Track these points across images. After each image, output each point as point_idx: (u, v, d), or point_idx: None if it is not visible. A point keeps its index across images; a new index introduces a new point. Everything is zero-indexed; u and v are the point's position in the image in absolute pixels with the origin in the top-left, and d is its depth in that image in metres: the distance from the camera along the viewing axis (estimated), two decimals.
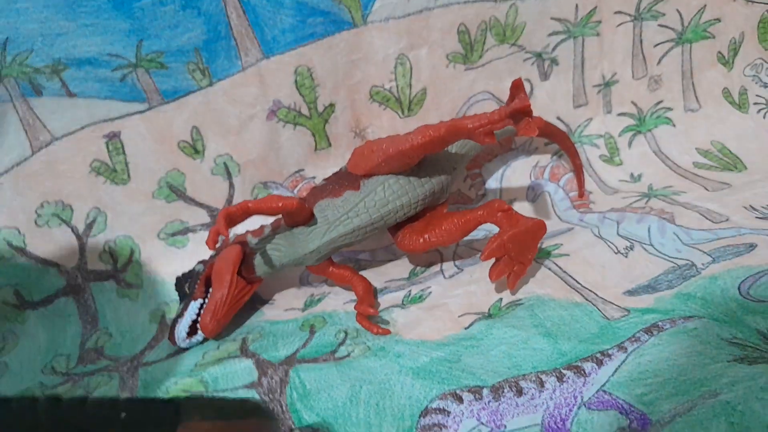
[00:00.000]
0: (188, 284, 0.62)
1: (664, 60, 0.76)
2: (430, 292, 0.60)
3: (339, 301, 0.62)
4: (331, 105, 0.68)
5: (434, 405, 0.45)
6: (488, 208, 0.56)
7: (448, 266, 0.65)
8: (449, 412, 0.44)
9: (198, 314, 0.59)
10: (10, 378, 0.58)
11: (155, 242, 0.68)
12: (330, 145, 0.70)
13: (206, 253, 0.66)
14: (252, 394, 0.50)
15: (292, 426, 0.45)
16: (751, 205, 0.63)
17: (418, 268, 0.67)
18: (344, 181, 0.59)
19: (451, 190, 0.64)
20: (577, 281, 0.56)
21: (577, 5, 0.71)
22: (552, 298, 0.55)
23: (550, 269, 0.59)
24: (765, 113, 0.77)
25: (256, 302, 0.65)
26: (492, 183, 0.75)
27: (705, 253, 0.57)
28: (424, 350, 0.51)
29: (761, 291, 0.49)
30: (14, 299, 0.63)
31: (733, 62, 0.77)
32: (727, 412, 0.38)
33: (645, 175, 0.74)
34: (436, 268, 0.66)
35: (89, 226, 0.65)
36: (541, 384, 0.45)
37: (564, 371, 0.46)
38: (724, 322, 0.47)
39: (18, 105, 0.61)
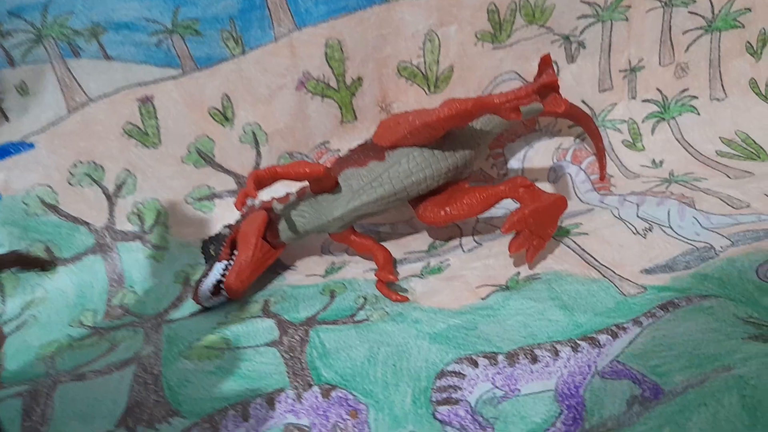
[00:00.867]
0: (214, 247, 0.63)
1: (691, 47, 0.76)
2: (449, 264, 0.61)
3: (359, 270, 0.64)
4: (359, 78, 0.69)
5: (450, 368, 0.46)
6: (510, 184, 0.57)
7: (467, 241, 0.66)
8: (465, 375, 0.45)
9: (223, 275, 0.60)
10: (38, 329, 0.61)
11: (182, 206, 0.70)
12: (356, 118, 0.71)
13: (231, 219, 0.67)
14: (273, 352, 0.51)
15: (311, 382, 0.47)
16: None
17: (438, 241, 0.68)
18: (370, 151, 0.60)
19: (473, 166, 0.64)
20: (594, 259, 0.57)
21: None
22: (569, 274, 0.55)
23: (568, 246, 0.60)
24: None
25: (279, 268, 0.66)
26: (514, 163, 0.75)
27: (724, 236, 0.57)
28: (441, 317, 0.53)
29: None
30: (45, 255, 0.65)
31: (761, 53, 0.77)
32: (740, 386, 0.38)
33: (667, 161, 0.74)
34: (455, 242, 0.67)
35: (119, 187, 0.67)
36: (556, 353, 0.46)
37: (579, 342, 0.47)
38: (740, 302, 0.47)
39: (56, 65, 0.62)
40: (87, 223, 0.66)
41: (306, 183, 0.61)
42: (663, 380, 0.41)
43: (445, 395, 0.44)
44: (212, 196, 0.70)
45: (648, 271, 0.54)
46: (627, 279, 0.53)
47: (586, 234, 0.61)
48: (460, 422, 0.41)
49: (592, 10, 0.72)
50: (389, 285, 0.58)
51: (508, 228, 0.55)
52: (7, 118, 0.64)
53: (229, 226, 0.65)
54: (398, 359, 0.48)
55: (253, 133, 0.70)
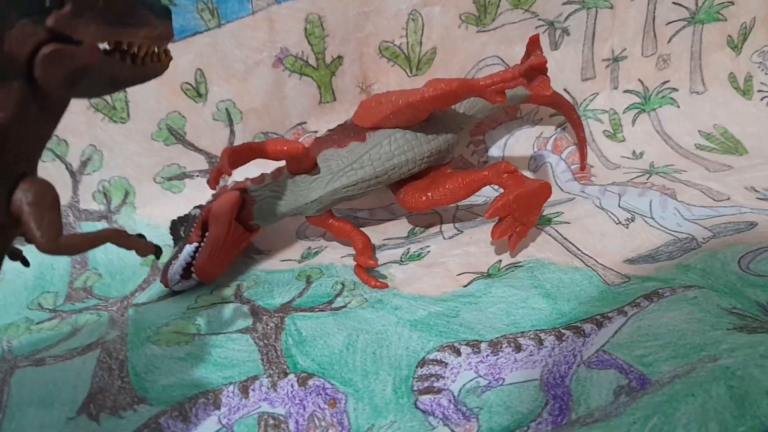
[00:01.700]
0: (184, 228, 0.60)
1: (674, 39, 0.76)
2: (429, 251, 0.60)
3: (336, 255, 0.62)
4: (339, 57, 0.67)
5: (432, 356, 0.45)
6: (494, 170, 0.56)
7: (448, 228, 0.65)
8: (447, 364, 0.44)
9: (193, 258, 0.58)
10: None
11: (151, 185, 0.67)
12: (335, 99, 0.69)
13: (202, 200, 0.65)
14: (246, 339, 0.49)
15: (287, 370, 0.45)
16: (752, 186, 0.63)
17: (417, 228, 0.66)
18: (350, 132, 0.58)
19: (456, 151, 0.63)
20: (577, 247, 0.56)
21: None
22: (551, 262, 0.55)
23: (550, 235, 0.59)
24: None
25: (252, 252, 0.64)
26: (495, 151, 0.74)
27: (706, 228, 0.57)
28: (422, 304, 0.51)
29: (761, 266, 0.49)
30: None
31: (741, 47, 0.77)
32: (727, 377, 0.38)
33: (647, 153, 0.74)
34: (435, 229, 0.65)
35: (84, 164, 0.64)
36: (540, 342, 0.45)
37: (563, 331, 0.46)
38: (723, 293, 0.47)
39: None
40: None
41: (282, 163, 0.58)
42: (649, 370, 0.40)
43: (426, 384, 0.42)
44: (183, 175, 0.68)
45: (631, 261, 0.54)
46: (610, 268, 0.53)
47: (568, 223, 0.61)
48: (443, 412, 0.40)
49: None
50: (368, 270, 0.56)
51: (492, 213, 0.53)
52: None
53: (200, 207, 0.62)
54: (378, 347, 0.46)
55: (227, 111, 0.67)
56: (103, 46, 0.32)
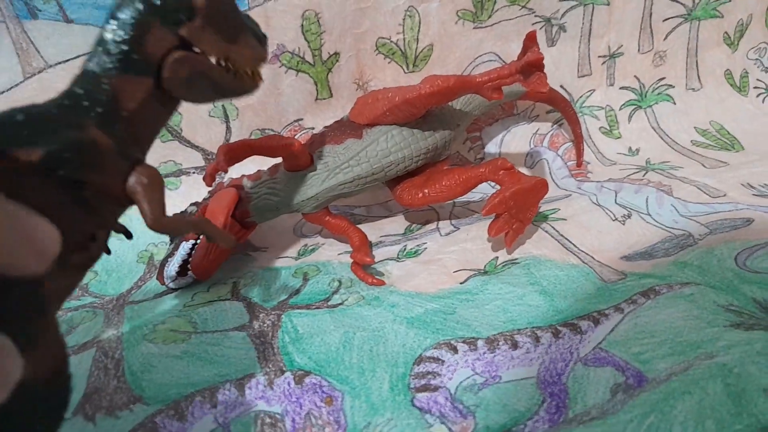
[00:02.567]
0: None
1: (670, 36, 0.75)
2: (426, 248, 0.60)
3: (333, 252, 0.62)
4: (336, 54, 0.67)
5: (428, 353, 0.45)
6: (491, 166, 0.56)
7: (445, 224, 0.65)
8: (443, 361, 0.44)
9: (189, 255, 0.57)
10: None
11: None
12: (331, 95, 0.69)
13: (198, 197, 0.64)
14: (242, 336, 0.49)
15: (284, 368, 0.44)
16: (748, 183, 0.63)
17: (414, 225, 0.66)
18: (346, 128, 0.58)
19: (452, 148, 0.63)
20: (573, 244, 0.56)
21: None
22: (548, 259, 0.55)
23: (546, 231, 0.59)
24: (764, 98, 0.78)
25: (249, 249, 0.64)
26: (491, 147, 0.74)
27: (702, 224, 0.57)
28: (419, 302, 0.51)
29: (757, 263, 0.49)
30: None
31: (738, 44, 0.77)
32: (724, 374, 0.38)
33: (643, 149, 0.74)
34: (432, 225, 0.65)
35: None
36: (537, 339, 0.45)
37: (560, 328, 0.45)
38: (720, 289, 0.47)
39: (11, 27, 0.58)
40: None
41: (279, 160, 0.58)
42: (646, 367, 0.40)
43: (423, 382, 0.42)
44: (179, 172, 0.67)
45: (627, 258, 0.54)
46: (607, 265, 0.53)
47: (564, 219, 0.60)
48: (440, 410, 0.39)
49: None
50: (365, 268, 0.56)
51: (488, 210, 0.53)
52: None
53: (196, 204, 0.61)
54: (375, 344, 0.46)
55: (223, 107, 0.67)
56: (214, 59, 0.37)
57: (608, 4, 0.72)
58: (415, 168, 0.59)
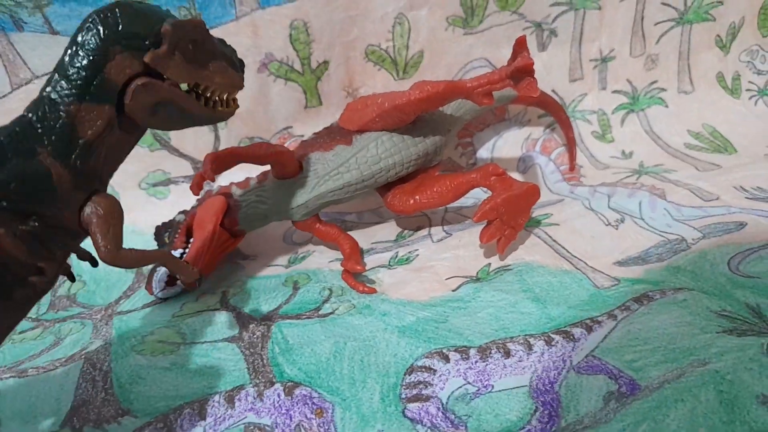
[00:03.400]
0: (168, 234, 0.60)
1: (662, 39, 0.75)
2: (418, 255, 0.59)
3: (324, 260, 0.61)
4: (325, 62, 0.66)
5: (420, 363, 0.44)
6: (482, 172, 0.55)
7: (437, 231, 0.64)
8: (435, 371, 0.43)
9: None
10: None
11: (136, 191, 0.66)
12: (321, 103, 0.69)
13: (188, 206, 0.64)
14: (232, 348, 0.48)
15: (274, 379, 0.44)
16: (741, 186, 0.63)
17: (406, 231, 0.66)
18: (336, 135, 0.57)
19: (443, 154, 0.62)
20: (566, 250, 0.56)
21: None
22: (541, 265, 0.54)
23: (539, 237, 0.58)
24: (756, 100, 0.78)
25: (238, 258, 0.63)
26: (483, 152, 0.74)
27: (695, 229, 0.56)
28: (411, 310, 0.51)
29: (750, 267, 0.49)
30: None
31: (729, 46, 0.77)
32: (716, 381, 0.37)
33: (636, 153, 0.74)
34: (424, 232, 0.65)
35: None
36: (530, 347, 0.44)
37: (553, 335, 0.45)
38: (713, 295, 0.47)
39: None
40: None
41: (268, 167, 0.58)
42: (639, 375, 0.40)
43: (415, 392, 0.41)
44: (168, 181, 0.67)
45: (621, 263, 0.53)
46: (600, 271, 0.52)
47: (557, 225, 0.60)
48: (431, 420, 0.39)
49: None
50: (356, 276, 0.56)
51: (480, 217, 0.53)
52: None
53: (185, 212, 0.61)
54: (365, 354, 0.46)
55: None
56: (183, 86, 0.37)
57: (599, 9, 0.72)
58: (406, 174, 0.59)
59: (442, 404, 0.40)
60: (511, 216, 0.54)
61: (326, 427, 0.39)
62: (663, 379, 0.39)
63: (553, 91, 0.74)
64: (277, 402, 0.42)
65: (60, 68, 0.33)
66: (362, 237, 0.64)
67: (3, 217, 0.30)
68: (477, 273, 0.55)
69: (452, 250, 0.59)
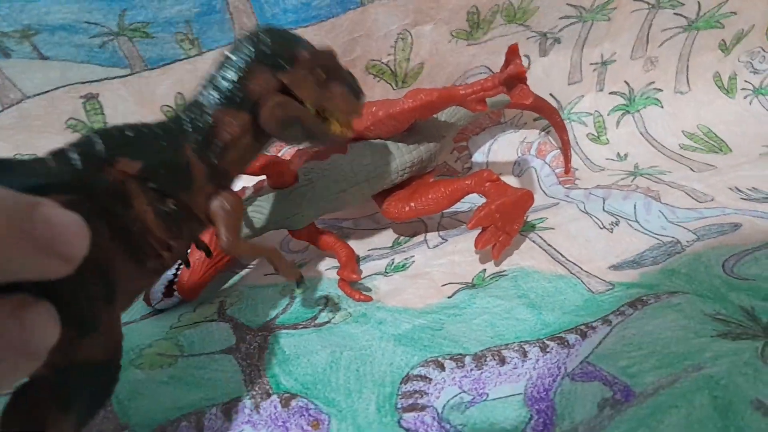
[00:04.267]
0: None
1: (666, 43, 0.75)
2: (414, 261, 0.60)
3: (320, 268, 0.61)
4: None
5: (416, 372, 0.44)
6: (476, 178, 0.55)
7: (432, 236, 0.64)
8: (431, 380, 0.43)
9: (175, 275, 0.57)
10: None
11: None
12: None
13: None
14: (229, 359, 0.48)
15: (270, 391, 0.44)
16: (736, 187, 0.63)
17: (402, 237, 0.66)
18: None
19: (439, 160, 0.62)
20: (561, 254, 0.56)
21: None
22: (536, 270, 0.54)
23: (534, 242, 0.58)
24: (751, 99, 0.78)
25: (235, 267, 0.63)
26: (478, 156, 0.74)
27: (690, 231, 0.56)
28: (406, 317, 0.51)
29: (745, 269, 0.49)
30: None
31: (732, 49, 0.77)
32: (711, 386, 0.37)
33: (631, 154, 0.74)
34: (420, 237, 0.65)
35: None
36: (524, 354, 0.44)
37: (547, 342, 0.45)
38: (708, 298, 0.47)
39: None
40: None
41: (263, 177, 0.58)
42: (634, 381, 0.40)
43: (410, 401, 0.42)
44: None
45: (615, 267, 0.53)
46: (594, 275, 0.52)
47: (552, 229, 0.60)
48: (427, 430, 0.39)
49: (576, 11, 0.70)
50: (352, 284, 0.56)
51: (474, 224, 0.53)
52: None
53: None
54: (362, 363, 0.46)
55: None
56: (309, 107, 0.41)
57: (609, 20, 0.71)
58: (401, 181, 0.59)
59: (438, 414, 0.40)
60: (506, 222, 0.54)
61: None
62: (657, 385, 0.39)
63: (550, 94, 0.74)
64: (274, 414, 0.42)
65: (211, 79, 0.38)
66: (359, 244, 0.64)
67: (151, 196, 0.34)
68: (473, 279, 0.55)
69: (448, 255, 0.59)
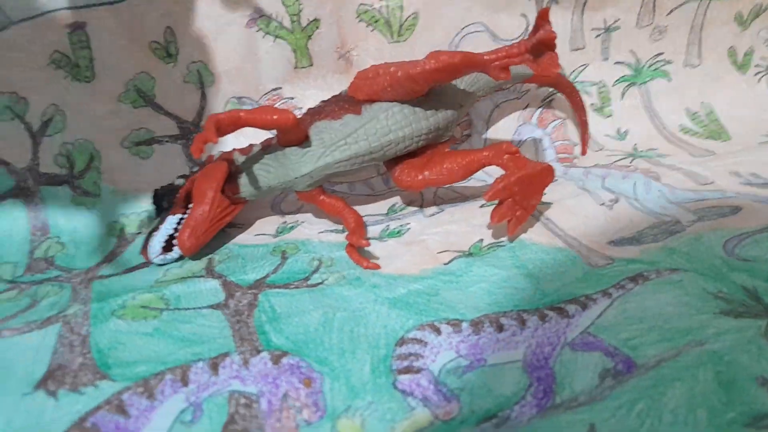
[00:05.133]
0: (167, 198, 0.57)
1: (675, 12, 0.72)
2: (409, 228, 0.58)
3: (313, 230, 0.59)
4: (316, 20, 0.64)
5: (411, 335, 0.43)
6: (495, 150, 0.53)
7: (428, 206, 0.63)
8: (426, 343, 0.42)
9: (175, 230, 0.55)
10: None
11: (118, 150, 0.63)
12: (311, 64, 0.66)
13: (172, 167, 0.62)
14: (217, 315, 0.47)
15: (260, 347, 0.42)
16: (736, 171, 0.62)
17: (398, 204, 0.64)
18: (345, 103, 0.55)
19: (454, 129, 0.60)
20: (559, 228, 0.55)
21: None
22: (534, 242, 0.53)
23: (532, 215, 0.57)
24: (761, 77, 0.76)
25: (225, 226, 0.61)
26: (479, 123, 0.72)
27: (690, 211, 0.56)
28: (401, 282, 0.49)
29: (746, 251, 0.48)
30: None
31: (750, 23, 0.75)
32: (714, 361, 0.37)
33: (631, 132, 0.73)
34: (415, 206, 0.63)
35: (45, 124, 0.60)
36: (523, 322, 0.43)
37: (546, 311, 0.44)
38: (709, 276, 0.46)
39: None
40: (6, 163, 0.59)
41: (272, 133, 0.55)
42: (635, 354, 0.39)
43: (406, 363, 0.40)
44: (151, 140, 0.64)
45: (615, 243, 0.52)
46: (594, 250, 0.51)
47: (551, 203, 0.59)
48: (423, 393, 0.38)
49: None
50: (360, 251, 0.54)
51: (492, 196, 0.51)
52: None
53: (184, 177, 0.59)
54: (355, 325, 0.44)
55: (199, 73, 0.63)
56: None
57: None
58: (416, 148, 0.57)
59: (434, 377, 0.39)
60: (524, 196, 0.53)
61: (314, 398, 0.38)
62: (660, 358, 0.38)
63: None
64: (264, 371, 0.40)
65: None
66: None
67: None
68: (469, 248, 0.54)
69: (444, 225, 0.58)
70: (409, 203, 0.64)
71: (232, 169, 0.57)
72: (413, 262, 0.52)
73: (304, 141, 0.54)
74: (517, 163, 0.52)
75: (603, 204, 0.58)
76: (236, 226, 0.62)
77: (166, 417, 0.37)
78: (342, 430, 0.36)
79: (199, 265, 0.55)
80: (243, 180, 0.56)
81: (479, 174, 0.65)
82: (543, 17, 0.47)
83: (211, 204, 0.54)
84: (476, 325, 0.43)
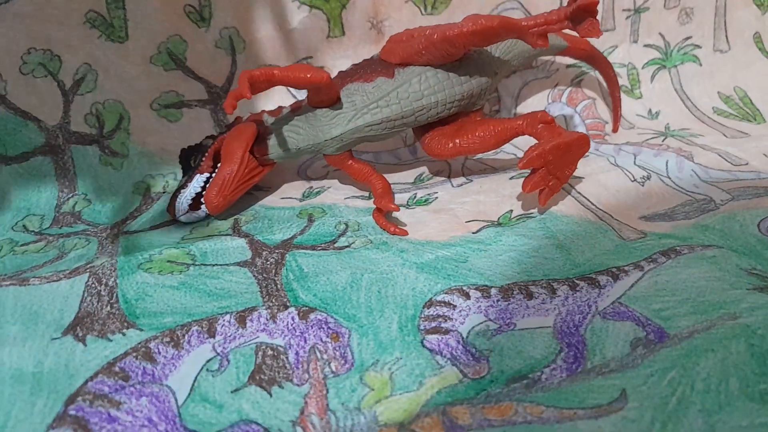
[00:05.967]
0: (194, 157, 0.57)
1: None
2: (437, 197, 0.58)
3: (339, 195, 0.59)
4: None
5: (439, 298, 0.43)
6: (529, 119, 0.52)
7: (457, 176, 0.62)
8: (455, 306, 0.42)
9: (203, 188, 0.55)
10: None
11: (147, 112, 0.63)
12: (344, 33, 0.66)
13: (200, 130, 0.62)
14: (244, 272, 0.47)
15: (288, 303, 0.42)
16: None
17: (425, 174, 0.64)
18: (377, 66, 0.54)
19: (487, 98, 0.59)
20: (591, 202, 0.54)
21: None
22: (564, 215, 0.53)
23: (563, 189, 0.56)
24: None
25: (251, 188, 0.61)
26: (507, 100, 0.71)
27: (724, 191, 0.55)
28: (429, 249, 0.49)
29: None
30: None
31: (767, 5, 0.74)
32: (747, 335, 0.36)
33: (663, 113, 0.72)
34: (443, 176, 0.63)
35: (77, 83, 0.60)
36: (553, 291, 0.43)
37: (577, 281, 0.44)
38: (743, 254, 0.45)
39: None
40: (38, 120, 0.59)
41: (302, 97, 0.55)
42: (668, 324, 0.38)
43: (434, 324, 0.40)
44: (180, 104, 0.64)
45: (647, 218, 0.52)
46: (626, 224, 0.51)
47: (582, 178, 0.58)
48: (451, 352, 0.38)
49: None
50: (387, 216, 0.53)
51: (526, 164, 0.50)
52: None
53: (212, 137, 0.59)
54: (383, 286, 0.44)
55: (231, 39, 0.63)
56: None
57: None
58: (447, 115, 0.56)
59: (462, 338, 0.39)
60: (558, 166, 0.51)
61: (342, 351, 0.38)
62: (692, 330, 0.38)
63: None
64: (291, 324, 0.40)
65: None
66: None
67: None
68: (498, 218, 0.53)
69: (473, 195, 0.57)
70: (436, 173, 0.64)
71: (261, 131, 0.56)
72: (441, 230, 0.52)
73: (335, 103, 0.54)
74: (552, 132, 0.51)
75: (635, 180, 0.57)
76: (262, 189, 0.62)
77: (193, 365, 0.38)
78: (370, 382, 0.36)
79: (225, 224, 0.55)
80: (272, 141, 0.56)
81: (509, 147, 0.65)
82: None
83: (239, 163, 0.54)
84: (505, 291, 0.43)
